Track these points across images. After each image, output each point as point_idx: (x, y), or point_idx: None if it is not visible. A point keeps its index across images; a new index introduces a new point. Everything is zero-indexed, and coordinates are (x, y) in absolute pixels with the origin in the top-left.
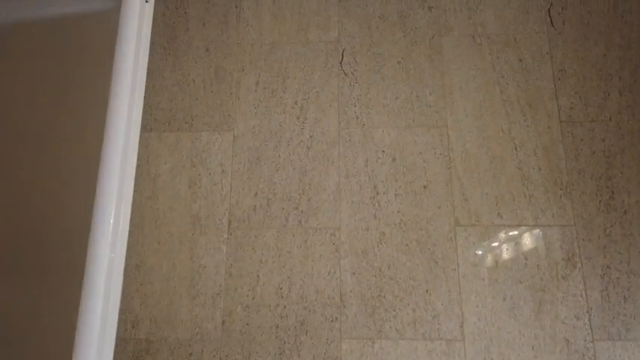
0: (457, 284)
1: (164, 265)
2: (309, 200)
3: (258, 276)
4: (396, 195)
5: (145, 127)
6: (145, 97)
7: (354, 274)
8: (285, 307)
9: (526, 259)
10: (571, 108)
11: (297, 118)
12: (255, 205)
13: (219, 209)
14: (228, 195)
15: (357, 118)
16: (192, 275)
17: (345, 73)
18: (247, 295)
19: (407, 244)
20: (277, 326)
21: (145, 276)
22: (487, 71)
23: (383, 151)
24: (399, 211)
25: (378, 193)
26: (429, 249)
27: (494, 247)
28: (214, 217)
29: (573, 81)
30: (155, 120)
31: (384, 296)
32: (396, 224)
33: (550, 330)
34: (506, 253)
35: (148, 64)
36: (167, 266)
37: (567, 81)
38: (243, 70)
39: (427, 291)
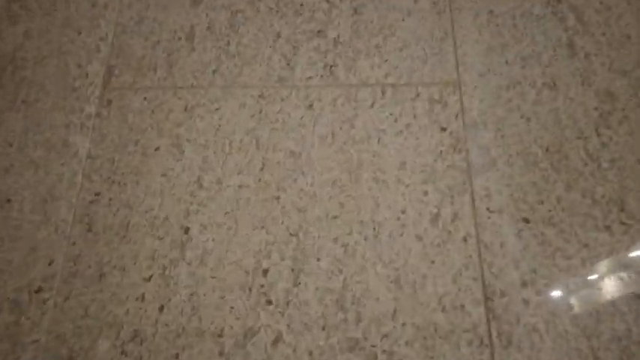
0: None
1: None
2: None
3: (187, 229)
4: None
5: None
6: None
7: (527, 222)
8: (280, 333)
9: None
10: None
11: None
12: (192, 28)
13: (90, 35)
14: None
15: None
16: None
17: None
18: (150, 298)
19: None
20: None
21: None
22: None
23: None
24: None
25: None
26: None
27: None
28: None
29: None
30: None
31: None
32: None
33: None
34: None
35: None
36: None
37: None
38: None
39: None
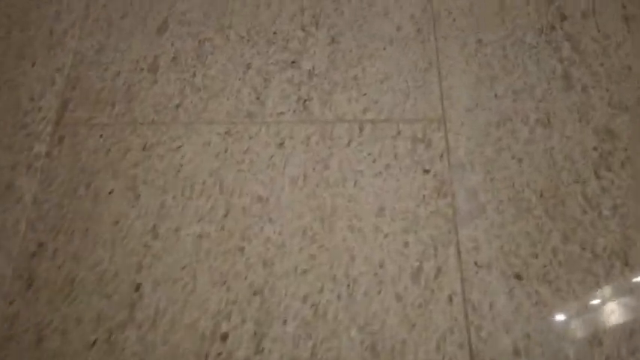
0: None
1: None
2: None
3: (138, 286)
4: None
5: None
6: None
7: (519, 279)
8: None
9: None
10: None
11: None
12: (155, 58)
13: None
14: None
15: None
16: None
17: None
18: None
19: None
20: None
21: None
22: None
23: None
24: None
25: None
26: None
27: None
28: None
29: None
30: None
31: None
32: None
33: None
34: None
35: None
36: None
37: None
38: None
39: None
